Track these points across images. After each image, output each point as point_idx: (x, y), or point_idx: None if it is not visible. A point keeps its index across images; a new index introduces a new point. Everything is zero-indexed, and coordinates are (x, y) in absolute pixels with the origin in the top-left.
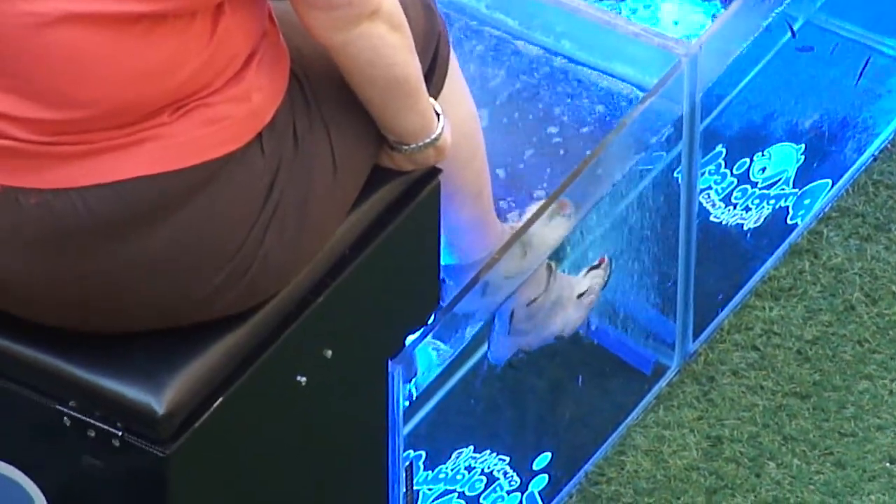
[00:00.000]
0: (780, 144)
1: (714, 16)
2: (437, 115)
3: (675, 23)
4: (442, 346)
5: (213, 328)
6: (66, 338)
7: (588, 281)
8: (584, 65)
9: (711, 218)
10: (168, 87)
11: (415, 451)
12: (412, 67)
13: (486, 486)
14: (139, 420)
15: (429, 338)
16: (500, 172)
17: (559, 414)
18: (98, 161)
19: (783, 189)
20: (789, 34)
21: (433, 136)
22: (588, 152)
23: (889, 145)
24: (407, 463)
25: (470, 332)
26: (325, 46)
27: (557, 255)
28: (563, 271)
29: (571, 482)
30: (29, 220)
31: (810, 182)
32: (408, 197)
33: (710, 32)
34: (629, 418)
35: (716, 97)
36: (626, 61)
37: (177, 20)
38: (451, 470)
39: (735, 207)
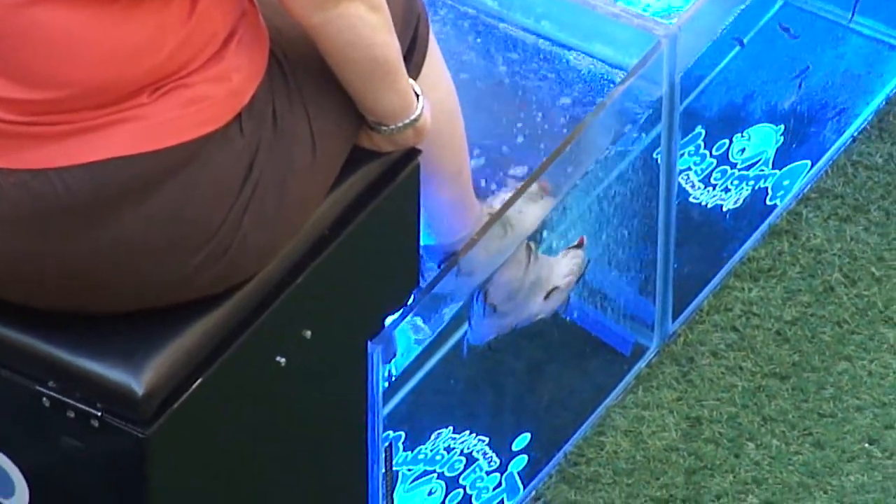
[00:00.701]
0: (759, 125)
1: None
2: (417, 95)
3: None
4: (422, 326)
5: (193, 309)
6: (45, 318)
7: (568, 261)
8: (563, 45)
9: (691, 199)
10: (147, 66)
11: (394, 431)
12: (391, 48)
13: (466, 467)
14: (119, 401)
15: (408, 318)
16: (479, 153)
17: (538, 395)
18: (77, 141)
19: (762, 170)
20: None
21: (413, 117)
22: (567, 133)
23: (868, 126)
24: (386, 444)
25: (449, 312)
26: (304, 26)
27: (537, 236)
28: (543, 252)
29: (551, 463)
30: (7, 200)
31: (789, 163)
32: (387, 177)
33: (690, 13)
34: (608, 399)
35: (695, 78)
36: (605, 42)
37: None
38: (431, 450)
39: (714, 188)
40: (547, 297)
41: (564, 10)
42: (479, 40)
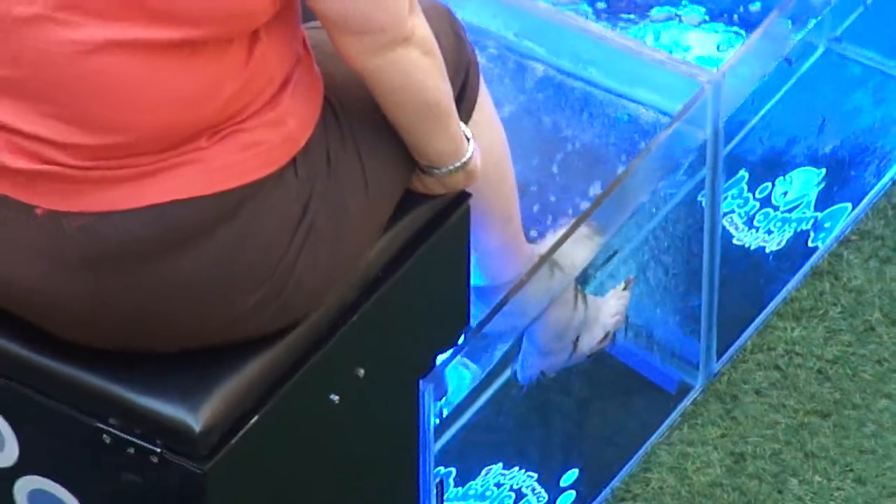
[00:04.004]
0: (801, 169)
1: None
2: (468, 139)
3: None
4: (472, 365)
5: (249, 348)
6: (107, 358)
7: (615, 302)
8: (609, 91)
9: (734, 241)
10: (205, 112)
11: (445, 467)
12: (443, 92)
13: (515, 502)
14: (177, 437)
15: (458, 357)
16: (527, 196)
17: (586, 431)
18: (138, 185)
19: (804, 212)
20: (812, 60)
21: (463, 160)
22: (614, 177)
23: None
24: (438, 479)
25: (499, 352)
26: (358, 72)
27: (584, 277)
28: (591, 293)
29: (598, 498)
30: (71, 243)
31: (831, 205)
32: (438, 220)
33: (734, 59)
34: (654, 436)
35: (739, 123)
36: (650, 87)
37: (214, 46)
38: (481, 486)
39: (758, 230)
40: (601, 341)
41: (610, 56)
42: (527, 86)
